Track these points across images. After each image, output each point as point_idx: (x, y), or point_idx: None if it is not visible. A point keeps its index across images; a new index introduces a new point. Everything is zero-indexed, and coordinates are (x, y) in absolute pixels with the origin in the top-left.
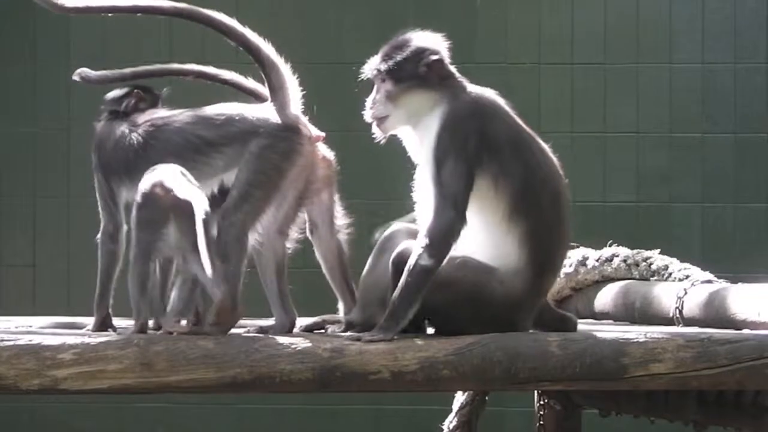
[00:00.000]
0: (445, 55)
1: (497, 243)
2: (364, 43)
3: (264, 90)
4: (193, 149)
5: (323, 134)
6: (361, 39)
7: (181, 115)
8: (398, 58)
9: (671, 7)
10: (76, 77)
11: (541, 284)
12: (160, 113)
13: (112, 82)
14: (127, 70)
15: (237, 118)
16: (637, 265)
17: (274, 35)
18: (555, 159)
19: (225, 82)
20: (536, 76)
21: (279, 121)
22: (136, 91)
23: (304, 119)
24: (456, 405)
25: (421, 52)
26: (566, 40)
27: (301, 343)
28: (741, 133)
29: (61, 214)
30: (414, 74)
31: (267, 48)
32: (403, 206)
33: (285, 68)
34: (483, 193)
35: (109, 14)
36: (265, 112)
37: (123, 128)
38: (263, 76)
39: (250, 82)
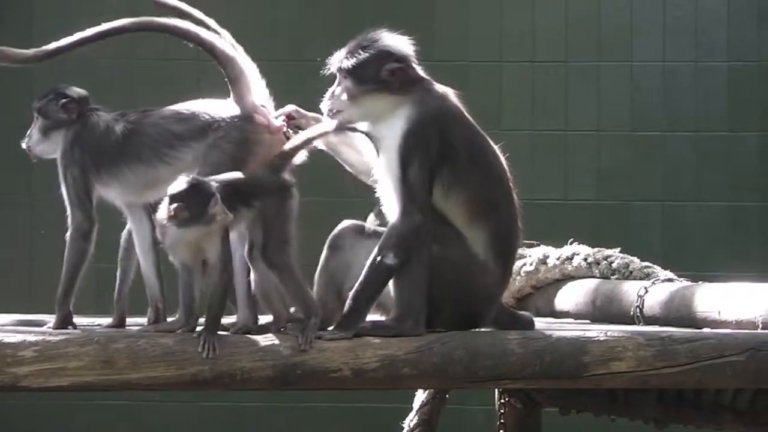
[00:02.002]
0: (412, 60)
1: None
2: (326, 40)
3: None
4: (165, 143)
5: (283, 124)
6: (323, 36)
7: (156, 111)
8: (362, 58)
9: (632, 5)
10: None
11: (506, 280)
12: (138, 109)
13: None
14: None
15: (200, 112)
16: (598, 263)
17: (237, 32)
18: (503, 159)
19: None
20: (497, 73)
21: (235, 112)
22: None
23: (264, 109)
24: (416, 403)
25: (385, 56)
26: (527, 38)
27: (262, 340)
28: (702, 132)
29: (22, 211)
30: (376, 78)
31: (221, 43)
32: (362, 204)
33: (243, 60)
34: (437, 199)
35: (80, 47)
36: (226, 105)
37: (103, 123)
38: (221, 70)
39: None
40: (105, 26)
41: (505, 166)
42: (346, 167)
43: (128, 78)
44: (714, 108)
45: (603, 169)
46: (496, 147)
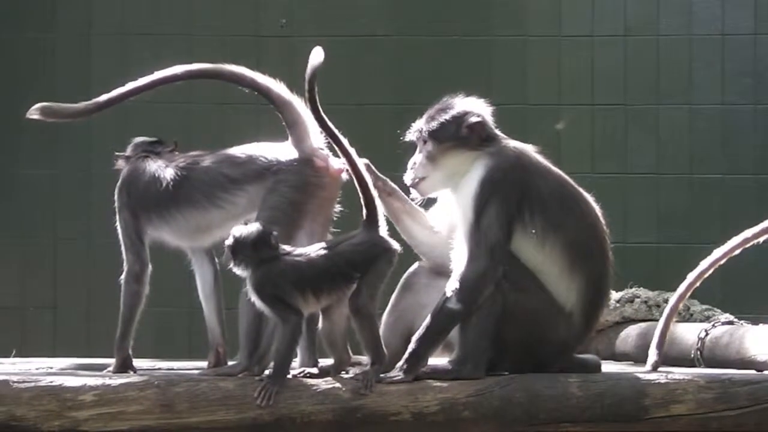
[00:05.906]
0: (488, 118)
1: (559, 295)
2: (382, 86)
3: None
4: (219, 187)
5: (344, 167)
6: (378, 82)
7: (208, 155)
8: (441, 119)
9: (691, 48)
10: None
11: (587, 334)
12: (190, 153)
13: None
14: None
15: (257, 156)
16: (658, 306)
17: (294, 79)
18: (598, 209)
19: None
20: (556, 117)
21: (293, 156)
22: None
23: (323, 152)
24: None
25: (463, 115)
26: (586, 81)
27: (323, 384)
28: (761, 174)
29: (82, 255)
30: (456, 135)
31: (278, 87)
32: None
33: (299, 104)
34: (531, 248)
35: (132, 97)
36: (284, 149)
37: (154, 168)
38: (279, 114)
39: None
40: (157, 75)
41: (600, 216)
42: (406, 239)
43: (185, 123)
44: None
45: (662, 211)
46: (588, 196)
